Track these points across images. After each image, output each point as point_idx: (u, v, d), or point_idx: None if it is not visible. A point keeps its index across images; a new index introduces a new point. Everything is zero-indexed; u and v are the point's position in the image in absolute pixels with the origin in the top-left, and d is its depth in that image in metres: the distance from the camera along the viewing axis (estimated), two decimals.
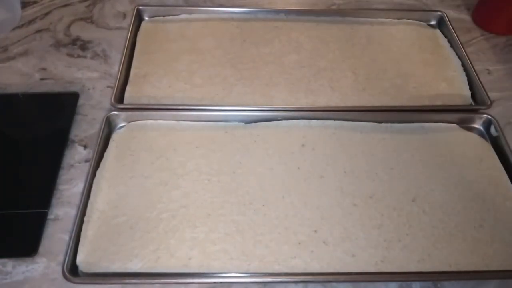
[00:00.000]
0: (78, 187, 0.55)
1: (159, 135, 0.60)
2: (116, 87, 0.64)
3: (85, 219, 0.51)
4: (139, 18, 0.76)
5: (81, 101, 0.65)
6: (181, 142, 0.60)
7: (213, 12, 0.78)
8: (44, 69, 0.69)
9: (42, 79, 0.68)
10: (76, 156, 0.59)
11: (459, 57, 0.71)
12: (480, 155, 0.60)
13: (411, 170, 0.58)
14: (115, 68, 0.69)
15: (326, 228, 0.52)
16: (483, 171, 0.58)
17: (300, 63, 0.70)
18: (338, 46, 0.73)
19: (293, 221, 0.52)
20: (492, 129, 0.63)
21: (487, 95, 0.65)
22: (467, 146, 0.61)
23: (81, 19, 0.78)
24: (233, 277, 0.48)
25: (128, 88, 0.65)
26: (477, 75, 0.67)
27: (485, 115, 0.63)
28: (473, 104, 0.66)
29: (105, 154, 0.58)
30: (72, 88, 0.67)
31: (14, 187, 0.55)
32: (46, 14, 0.78)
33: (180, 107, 0.62)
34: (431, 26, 0.79)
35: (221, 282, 0.49)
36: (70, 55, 0.72)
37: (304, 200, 0.54)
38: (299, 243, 0.51)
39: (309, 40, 0.74)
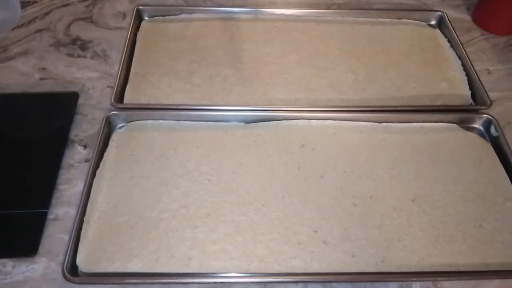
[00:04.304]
0: (78, 187, 0.55)
1: (159, 135, 0.60)
2: (116, 87, 0.64)
3: (85, 219, 0.51)
4: (139, 18, 0.76)
5: (81, 101, 0.65)
6: (181, 142, 0.60)
7: (213, 12, 0.78)
8: (44, 69, 0.69)
9: (42, 79, 0.68)
10: (76, 156, 0.59)
11: (459, 57, 0.71)
12: (480, 155, 0.60)
13: (411, 170, 0.58)
14: (115, 68, 0.69)
15: (326, 228, 0.52)
16: (483, 171, 0.58)
17: (300, 63, 0.70)
18: (338, 46, 0.73)
19: (293, 221, 0.52)
20: (492, 129, 0.63)
21: (487, 95, 0.65)
22: (467, 146, 0.61)
23: (81, 19, 0.78)
24: (233, 277, 0.48)
25: (128, 88, 0.65)
26: (477, 75, 0.68)
27: (485, 115, 0.63)
28: (473, 104, 0.66)
29: (105, 154, 0.58)
30: (72, 88, 0.67)
31: (14, 187, 0.55)
32: (46, 14, 0.78)
33: (180, 107, 0.62)
34: (431, 26, 0.79)
35: (221, 282, 0.49)
36: (70, 55, 0.72)
37: (304, 200, 0.54)
38: (299, 243, 0.51)
39: (309, 40, 0.74)
